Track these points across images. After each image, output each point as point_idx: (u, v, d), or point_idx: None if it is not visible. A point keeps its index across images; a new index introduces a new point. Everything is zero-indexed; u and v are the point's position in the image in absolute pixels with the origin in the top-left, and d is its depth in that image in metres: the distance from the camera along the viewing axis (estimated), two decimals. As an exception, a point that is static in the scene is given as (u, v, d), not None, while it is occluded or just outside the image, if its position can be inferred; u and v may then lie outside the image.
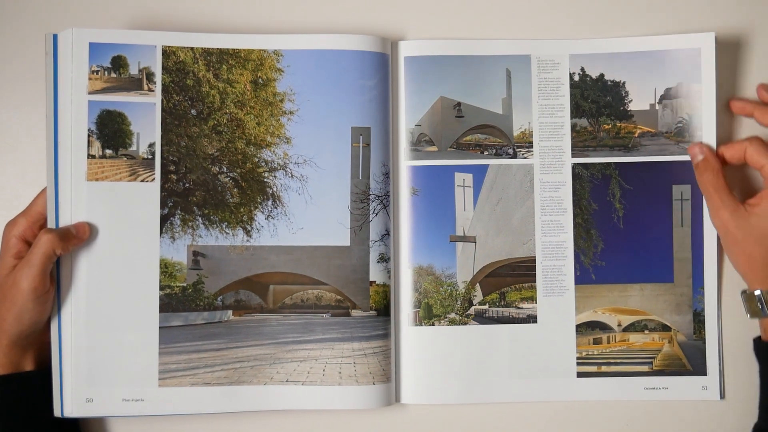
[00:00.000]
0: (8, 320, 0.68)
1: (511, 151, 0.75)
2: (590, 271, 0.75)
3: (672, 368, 0.74)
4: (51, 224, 0.70)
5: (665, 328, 0.75)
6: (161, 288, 0.72)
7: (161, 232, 0.72)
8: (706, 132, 0.74)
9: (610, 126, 0.75)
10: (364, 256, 0.74)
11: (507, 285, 0.75)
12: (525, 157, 0.75)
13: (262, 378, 0.72)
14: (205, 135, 0.73)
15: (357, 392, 0.72)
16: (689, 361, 0.74)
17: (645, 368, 0.74)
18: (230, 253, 0.74)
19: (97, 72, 0.71)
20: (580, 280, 0.74)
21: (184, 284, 0.73)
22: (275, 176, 0.74)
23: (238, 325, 0.73)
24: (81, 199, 0.71)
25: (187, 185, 0.73)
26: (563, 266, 0.75)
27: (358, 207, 0.74)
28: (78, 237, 0.70)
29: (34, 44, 0.76)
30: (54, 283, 0.70)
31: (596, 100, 0.75)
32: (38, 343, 0.71)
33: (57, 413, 0.70)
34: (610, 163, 0.75)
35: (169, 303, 0.72)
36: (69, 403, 0.70)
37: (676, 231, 0.74)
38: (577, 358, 0.74)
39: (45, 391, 0.70)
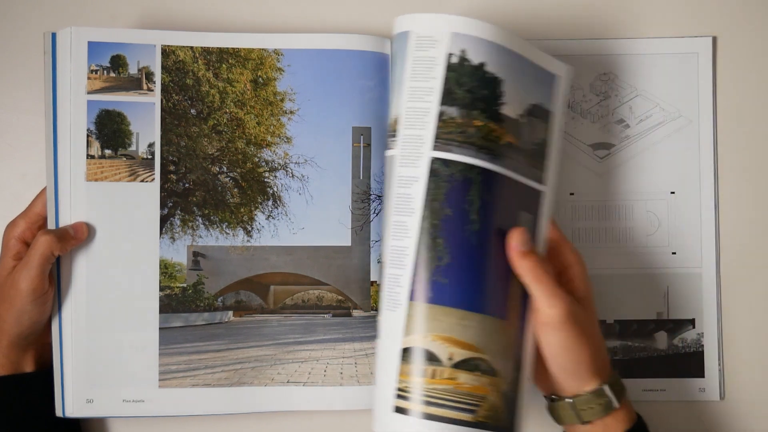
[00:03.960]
0: (8, 321, 0.68)
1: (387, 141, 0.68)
2: (429, 287, 0.62)
3: (494, 422, 0.61)
4: (51, 225, 0.70)
5: (494, 372, 0.61)
6: (161, 289, 0.72)
7: (161, 233, 0.72)
8: (551, 161, 0.67)
9: (482, 124, 0.63)
10: (365, 256, 0.74)
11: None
12: (391, 148, 0.65)
13: (263, 379, 0.72)
14: (205, 135, 0.73)
15: (358, 392, 0.72)
16: (507, 416, 0.62)
17: (468, 417, 0.60)
18: (230, 254, 0.73)
19: (96, 71, 0.71)
20: (416, 296, 0.62)
21: (184, 285, 0.72)
22: (276, 176, 0.74)
23: (238, 325, 0.73)
24: (80, 199, 0.70)
25: (186, 185, 0.73)
26: (401, 276, 0.62)
27: (359, 207, 0.74)
28: (76, 237, 0.69)
29: (33, 43, 0.75)
30: (53, 284, 0.70)
31: (472, 90, 0.63)
32: (38, 344, 0.71)
33: (58, 413, 0.70)
34: (475, 165, 0.62)
35: (169, 304, 0.72)
36: (70, 404, 0.70)
37: None
38: (397, 389, 0.61)
39: (45, 392, 0.70)
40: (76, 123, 0.70)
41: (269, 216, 0.74)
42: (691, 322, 0.76)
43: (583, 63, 0.77)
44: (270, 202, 0.74)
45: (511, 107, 0.64)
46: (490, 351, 0.61)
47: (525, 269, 0.62)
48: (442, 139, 0.63)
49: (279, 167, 0.74)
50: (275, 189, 0.74)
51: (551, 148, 0.67)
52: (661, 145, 0.76)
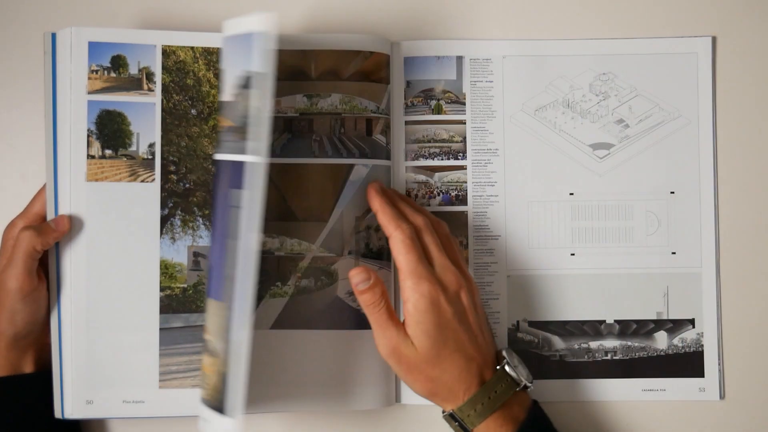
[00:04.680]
0: (2, 322, 0.68)
1: None
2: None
3: (213, 402, 0.64)
4: (51, 225, 0.70)
5: (215, 353, 0.64)
6: (161, 289, 0.71)
7: (161, 233, 0.72)
8: (260, 126, 0.62)
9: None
10: (366, 256, 0.74)
11: None
12: None
13: (263, 379, 0.72)
14: (205, 135, 0.73)
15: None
16: (222, 397, 0.63)
17: (202, 393, 0.66)
18: (231, 254, 0.73)
19: (96, 71, 0.71)
20: None
21: (185, 285, 0.72)
22: (276, 176, 0.74)
23: (239, 326, 0.73)
24: (80, 199, 0.70)
25: (187, 185, 0.73)
26: None
27: (359, 207, 0.74)
28: (57, 230, 0.69)
29: (33, 43, 0.75)
30: (43, 281, 0.69)
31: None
32: (37, 344, 0.71)
33: (58, 414, 0.70)
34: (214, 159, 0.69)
35: (170, 304, 0.72)
36: (69, 405, 0.70)
37: (229, 243, 0.63)
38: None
39: (45, 393, 0.70)
40: (76, 123, 0.70)
41: (270, 216, 0.73)
42: (691, 322, 0.76)
43: (583, 63, 0.77)
44: (270, 203, 0.74)
45: (227, 91, 0.66)
46: (212, 332, 0.65)
47: (362, 306, 0.66)
48: None
49: (279, 167, 0.74)
50: (276, 189, 0.74)
51: (261, 112, 0.62)
52: (661, 145, 0.76)
